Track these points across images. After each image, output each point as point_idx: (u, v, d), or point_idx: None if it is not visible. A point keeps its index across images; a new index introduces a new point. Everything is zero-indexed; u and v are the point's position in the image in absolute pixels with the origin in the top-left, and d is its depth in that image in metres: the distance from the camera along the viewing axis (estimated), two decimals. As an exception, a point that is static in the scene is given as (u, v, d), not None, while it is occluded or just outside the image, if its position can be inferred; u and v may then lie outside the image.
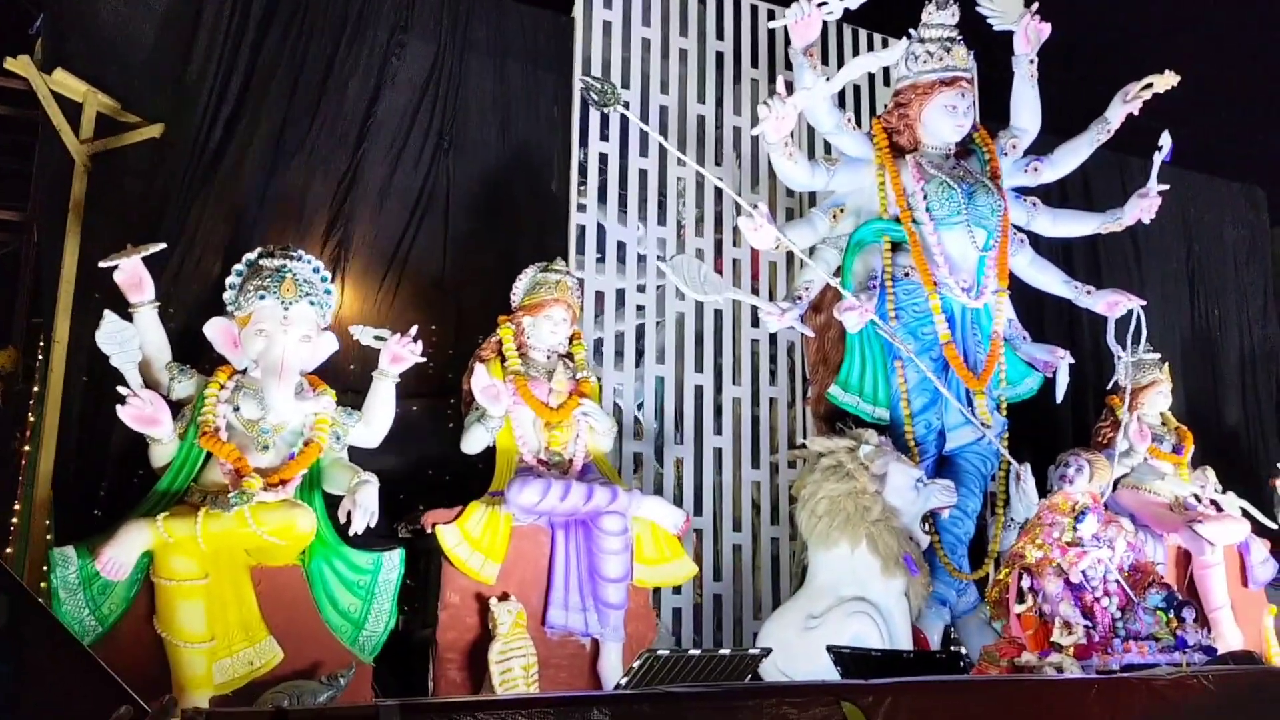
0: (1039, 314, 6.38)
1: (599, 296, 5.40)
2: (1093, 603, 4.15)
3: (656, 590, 5.04)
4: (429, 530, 3.98)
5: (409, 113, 5.16)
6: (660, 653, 2.70)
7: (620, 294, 5.44)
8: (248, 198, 4.62)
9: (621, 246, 5.48)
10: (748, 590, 5.45)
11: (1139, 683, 3.19)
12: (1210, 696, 3.20)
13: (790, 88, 4.60)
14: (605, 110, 4.49)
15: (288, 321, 3.60)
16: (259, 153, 4.69)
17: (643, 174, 5.58)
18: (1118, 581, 4.22)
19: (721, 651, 2.87)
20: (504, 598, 3.99)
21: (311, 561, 3.53)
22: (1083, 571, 4.18)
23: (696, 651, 2.79)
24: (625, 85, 5.60)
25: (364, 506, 3.48)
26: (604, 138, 5.49)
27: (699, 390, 5.56)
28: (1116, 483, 5.83)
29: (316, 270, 3.82)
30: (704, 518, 5.41)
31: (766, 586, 5.50)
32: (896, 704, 2.60)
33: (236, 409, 3.58)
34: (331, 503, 3.66)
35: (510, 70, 5.46)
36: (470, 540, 3.96)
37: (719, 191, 5.63)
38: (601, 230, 5.46)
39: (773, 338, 5.76)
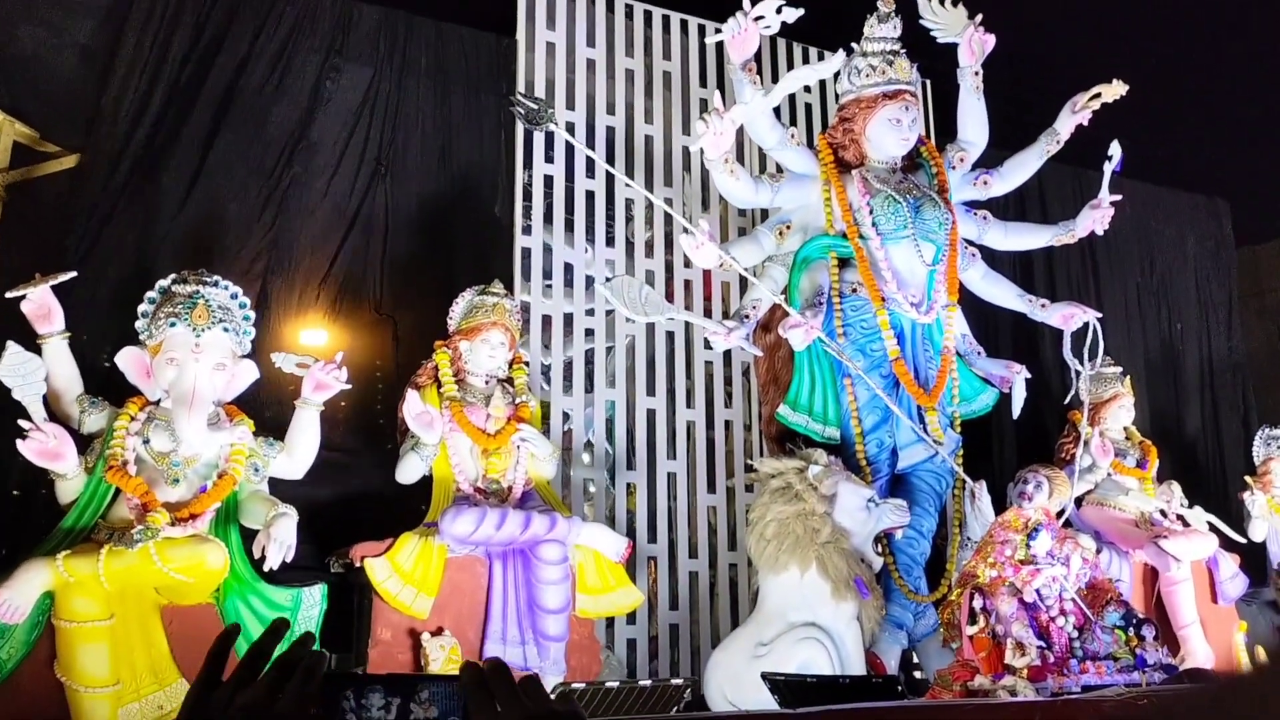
0: (997, 328, 6.31)
1: (546, 320, 5.29)
2: (1048, 622, 4.02)
3: (610, 621, 4.91)
4: (358, 564, 3.83)
5: (343, 137, 5.07)
6: (575, 686, 2.56)
7: (568, 318, 5.33)
8: (170, 225, 4.52)
9: (569, 269, 5.38)
10: (705, 619, 5.31)
11: (1085, 704, 3.06)
12: (1158, 716, 3.06)
13: (725, 101, 4.52)
14: (537, 129, 4.39)
15: (199, 349, 3.47)
16: (181, 179, 4.58)
17: (589, 195, 5.49)
18: (1074, 600, 4.10)
19: (643, 683, 2.74)
20: (438, 632, 3.84)
21: (226, 599, 3.38)
22: (1037, 590, 4.06)
23: (615, 684, 2.65)
24: (570, 107, 5.53)
25: (279, 540, 3.33)
26: (549, 159, 5.40)
27: (651, 414, 5.44)
28: (1080, 499, 5.74)
29: (234, 296, 3.69)
30: (658, 545, 5.28)
31: (725, 614, 5.36)
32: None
33: (147, 441, 3.44)
34: (250, 537, 3.52)
35: (451, 94, 5.37)
36: (401, 573, 3.81)
37: (665, 215, 5.57)
38: (548, 253, 5.35)
39: (727, 359, 5.66)
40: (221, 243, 4.63)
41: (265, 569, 3.38)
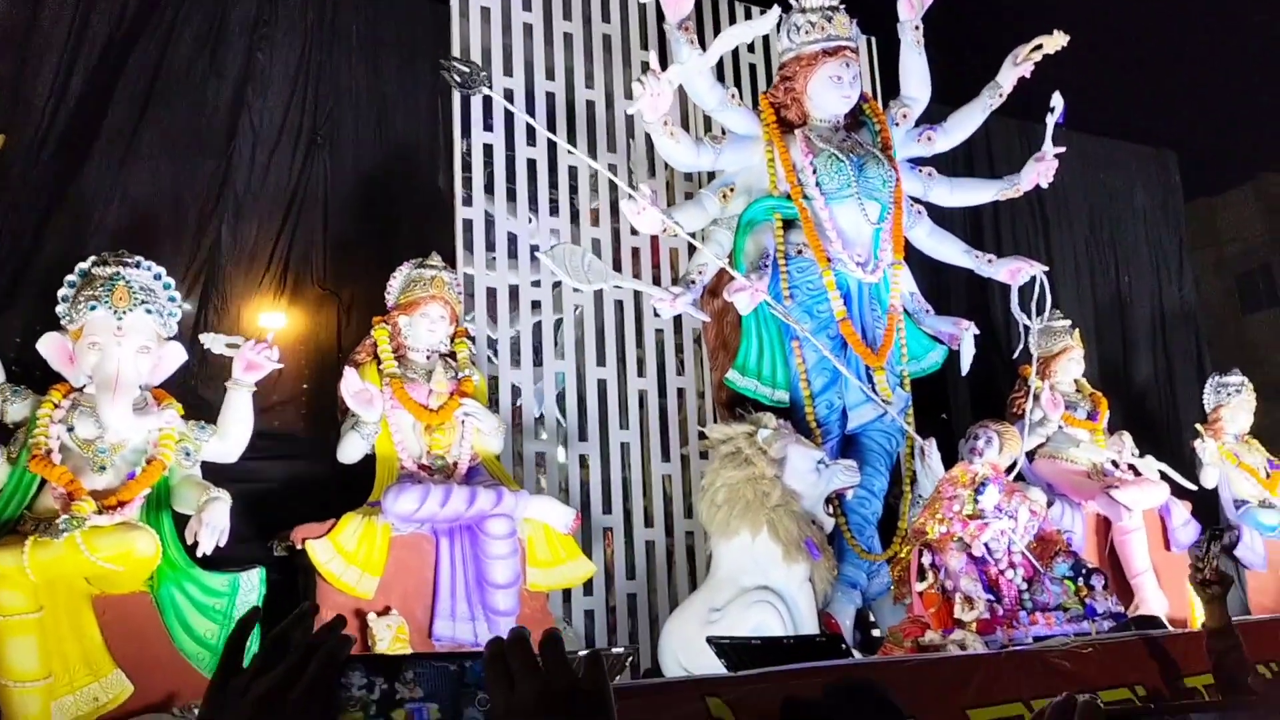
0: (947, 285, 6.30)
1: (491, 293, 5.21)
2: (997, 576, 4.04)
3: (567, 593, 4.88)
4: (300, 546, 3.77)
5: (279, 110, 4.95)
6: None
7: (514, 290, 5.25)
8: (102, 208, 4.38)
9: (513, 240, 5.30)
10: (663, 587, 5.28)
11: (1031, 656, 3.06)
12: (1105, 663, 3.08)
13: (665, 64, 4.45)
14: (470, 93, 4.30)
15: (121, 332, 3.37)
16: (113, 160, 4.45)
17: (530, 164, 5.39)
18: (1022, 553, 4.11)
19: (581, 653, 2.70)
20: (384, 612, 3.79)
21: (161, 587, 3.30)
22: (986, 544, 4.07)
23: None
24: (508, 73, 5.42)
25: (211, 525, 3.26)
26: (488, 128, 5.29)
27: (602, 384, 5.37)
28: (1033, 453, 5.77)
29: (158, 277, 3.59)
30: (614, 515, 5.24)
31: (683, 582, 5.33)
32: (763, 695, 2.44)
33: (71, 429, 3.35)
34: (184, 523, 3.44)
35: (384, 62, 5.26)
36: (344, 554, 3.75)
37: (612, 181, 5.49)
38: (490, 224, 5.26)
39: (678, 326, 5.60)
40: (161, 224, 4.51)
41: (199, 555, 3.30)
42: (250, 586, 3.45)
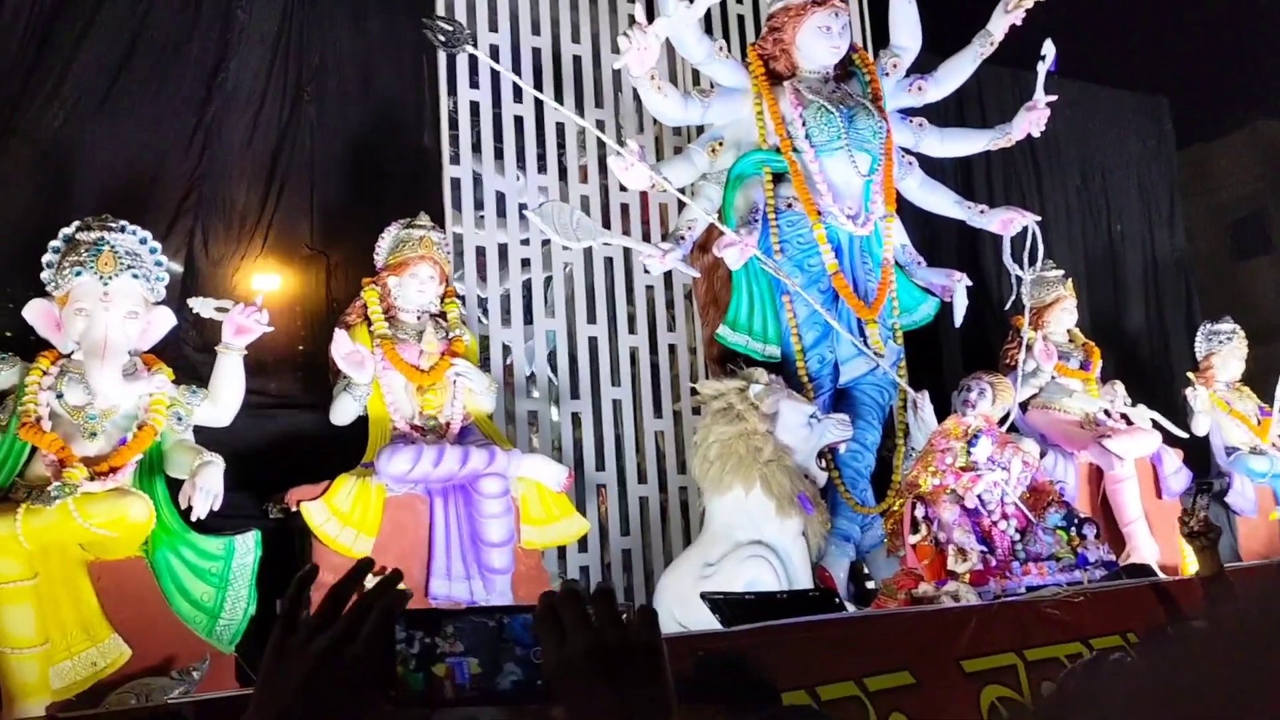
0: (938, 237, 6.29)
1: (480, 252, 5.18)
2: (990, 527, 4.07)
3: (562, 550, 4.91)
4: (295, 508, 3.77)
5: (263, 69, 4.87)
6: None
7: (503, 248, 5.22)
8: (84, 170, 4.32)
9: (501, 198, 5.26)
10: (657, 543, 5.32)
11: (1023, 606, 3.09)
12: (1098, 612, 3.11)
13: (651, 17, 4.39)
14: (454, 52, 4.24)
15: (108, 298, 3.34)
16: (93, 120, 4.38)
17: (518, 121, 5.34)
18: (1015, 504, 4.13)
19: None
20: (380, 572, 3.79)
21: (156, 551, 3.30)
22: (979, 496, 4.09)
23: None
24: (493, 29, 5.35)
25: (204, 489, 3.25)
26: (474, 85, 5.23)
27: (593, 342, 5.36)
28: (1026, 403, 5.79)
29: (144, 241, 3.55)
30: (606, 472, 5.26)
31: (677, 538, 5.36)
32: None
33: (60, 395, 3.33)
34: (177, 487, 3.43)
35: (368, 19, 5.17)
36: (339, 515, 3.76)
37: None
38: (478, 182, 5.22)
39: (668, 282, 5.59)
40: (144, 186, 4.45)
41: (193, 519, 3.30)
42: (246, 549, 3.46)
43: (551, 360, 5.36)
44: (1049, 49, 4.94)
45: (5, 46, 4.23)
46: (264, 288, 4.67)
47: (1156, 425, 5.72)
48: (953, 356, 6.50)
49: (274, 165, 4.79)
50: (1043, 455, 5.43)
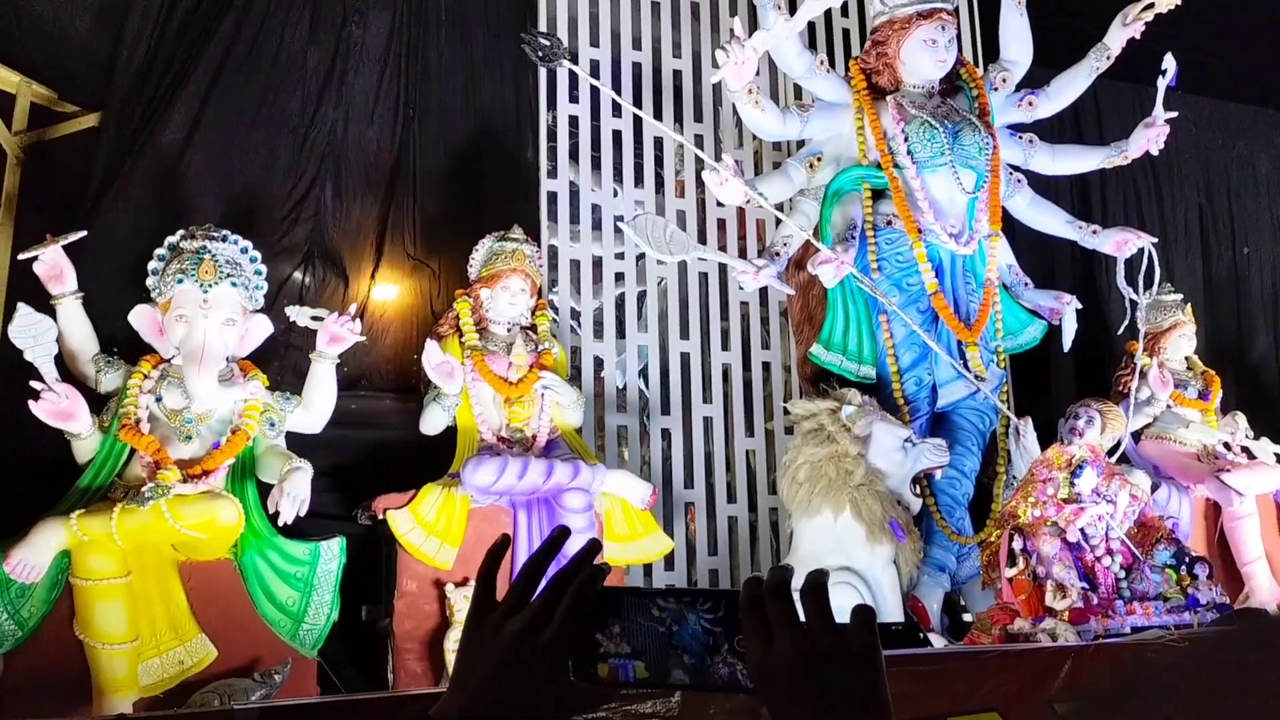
0: (1052, 257, 6.06)
1: (575, 265, 5.18)
2: (1094, 563, 3.86)
3: (648, 568, 4.86)
4: (381, 516, 3.81)
5: (372, 85, 4.98)
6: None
7: (598, 261, 5.22)
8: (200, 187, 4.47)
9: (597, 211, 5.26)
10: (745, 564, 5.22)
11: (1124, 649, 2.92)
12: (1203, 656, 2.91)
13: (752, 31, 4.33)
14: (551, 66, 4.25)
15: (207, 305, 3.44)
16: (209, 133, 4.53)
17: (616, 135, 5.34)
18: (1121, 539, 3.92)
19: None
20: (462, 583, 3.81)
21: (244, 554, 3.37)
22: (1081, 530, 3.89)
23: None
24: (594, 44, 5.36)
25: (292, 495, 3.31)
26: (573, 99, 5.24)
27: (685, 357, 5.31)
28: (1139, 433, 5.52)
29: (244, 250, 3.65)
30: (696, 490, 5.18)
31: (766, 559, 5.26)
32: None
33: (159, 399, 3.43)
34: (268, 492, 3.50)
35: (472, 35, 5.24)
36: (424, 525, 3.78)
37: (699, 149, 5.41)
38: (575, 195, 5.23)
39: (764, 298, 5.51)
40: (260, 196, 4.59)
41: (279, 524, 3.36)
42: (331, 555, 3.51)
43: (643, 375, 5.32)
44: (1169, 63, 4.71)
45: (127, 66, 4.41)
46: (379, 298, 4.76)
47: (1281, 460, 5.39)
48: (1064, 382, 6.25)
49: (386, 178, 4.89)
50: (1156, 488, 5.17)
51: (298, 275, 4.51)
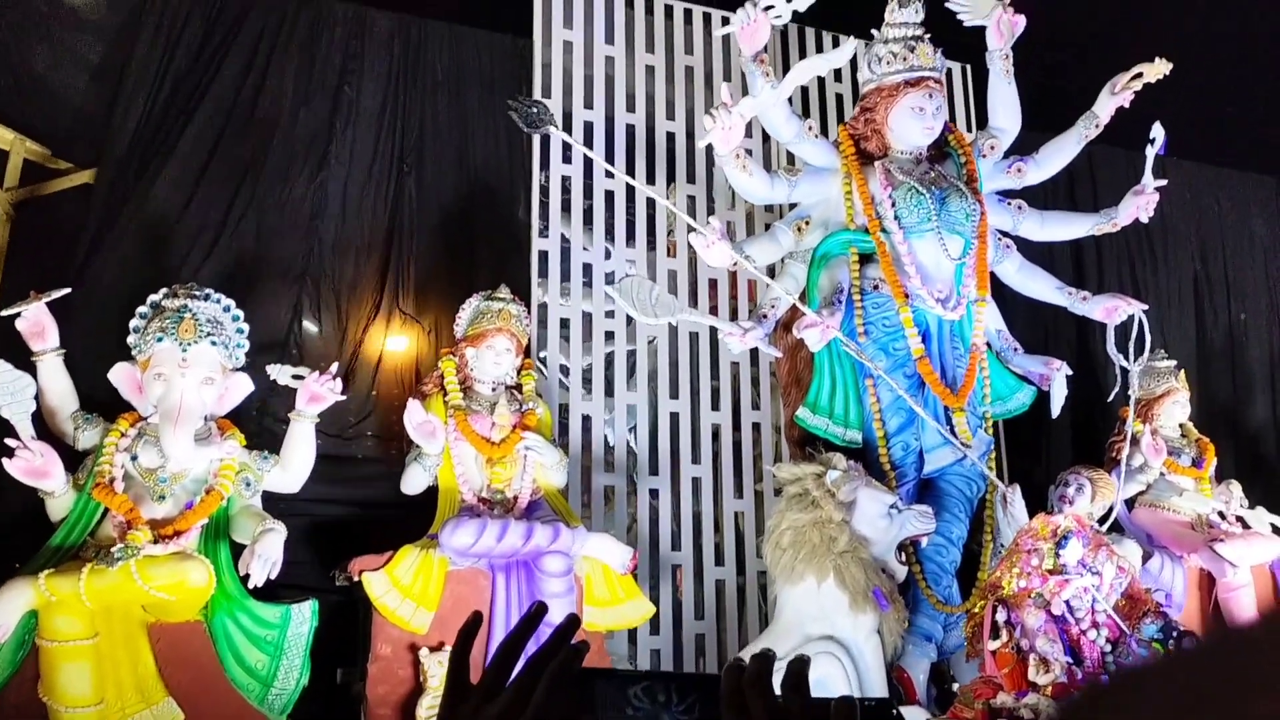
0: (1048, 321, 6.05)
1: (564, 323, 5.19)
2: (1079, 636, 3.80)
3: (632, 633, 4.81)
4: (357, 578, 3.78)
5: (368, 145, 5.04)
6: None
7: (588, 319, 5.23)
8: (189, 243, 4.51)
9: (588, 270, 5.28)
10: (733, 629, 5.16)
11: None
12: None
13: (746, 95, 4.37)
14: (537, 133, 4.29)
15: (185, 364, 3.45)
16: (202, 190, 4.59)
17: (609, 195, 5.37)
18: (1107, 612, 3.86)
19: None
20: (438, 648, 3.77)
21: (214, 616, 3.34)
22: (1067, 602, 3.83)
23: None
24: (589, 106, 5.42)
25: (263, 557, 3.28)
26: (566, 160, 5.29)
27: (675, 417, 5.29)
28: (1133, 501, 5.47)
29: (227, 309, 3.67)
30: (683, 552, 5.15)
31: (754, 624, 5.20)
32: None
33: (135, 457, 3.43)
34: (241, 552, 3.48)
35: (467, 96, 5.31)
36: (400, 587, 3.75)
37: (691, 212, 5.44)
38: (566, 254, 5.25)
39: (754, 359, 5.49)
40: (253, 256, 4.62)
41: (250, 586, 3.33)
42: (302, 619, 3.47)
43: (632, 434, 5.30)
44: (1158, 132, 4.73)
45: (123, 124, 4.49)
46: (369, 355, 4.77)
47: (1277, 530, 5.32)
48: (1058, 447, 6.21)
49: (378, 237, 4.93)
50: (1149, 558, 5.11)
51: (286, 331, 4.53)
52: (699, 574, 5.17)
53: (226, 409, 3.68)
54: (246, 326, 3.72)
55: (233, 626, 3.35)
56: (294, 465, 3.71)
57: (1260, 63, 6.68)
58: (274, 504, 3.86)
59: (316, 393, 3.70)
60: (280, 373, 3.71)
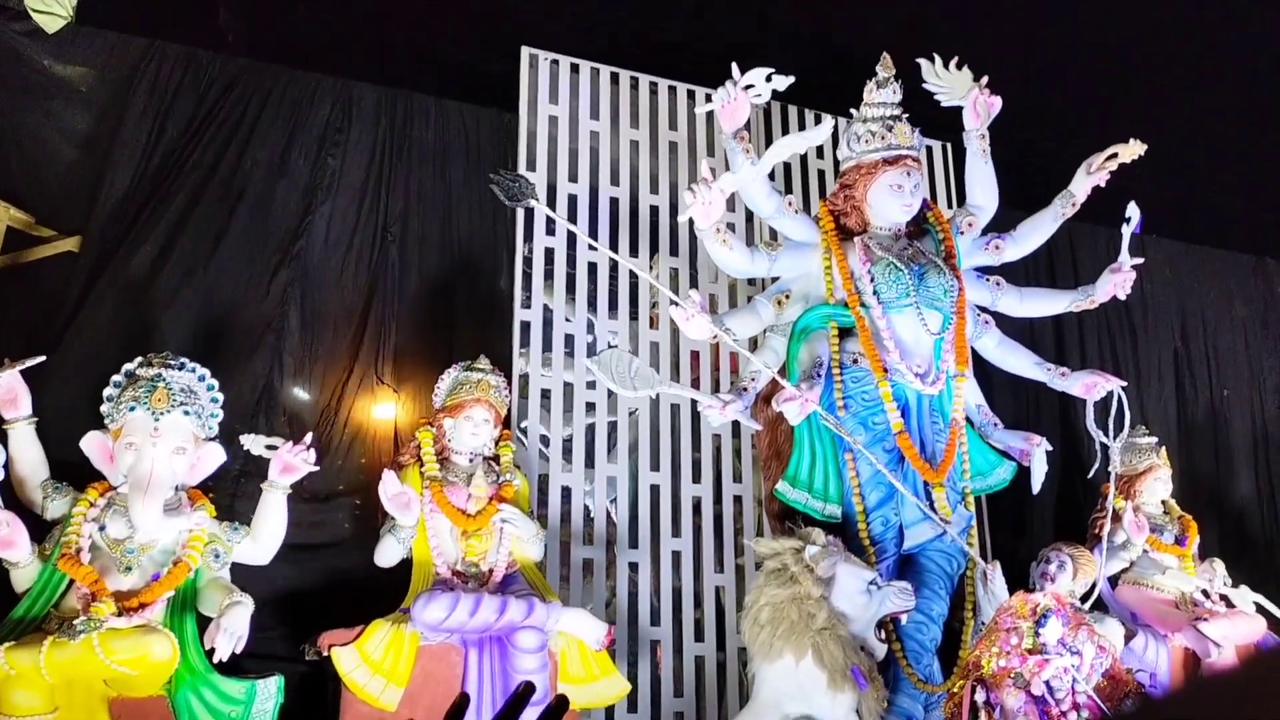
0: (1030, 397, 6.06)
1: (545, 394, 5.19)
2: (1059, 717, 3.74)
3: (610, 712, 4.73)
4: (326, 653, 3.72)
5: (351, 214, 5.09)
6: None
7: (568, 390, 5.23)
8: (166, 311, 4.52)
9: (570, 341, 5.29)
10: (713, 707, 5.07)
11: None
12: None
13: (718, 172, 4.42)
14: (518, 205, 4.32)
15: (157, 434, 3.43)
16: (183, 261, 4.62)
17: (592, 267, 5.41)
18: (1087, 693, 3.80)
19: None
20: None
21: (178, 691, 3.28)
22: (1046, 682, 3.77)
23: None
24: (574, 179, 5.48)
25: (229, 631, 3.24)
26: (550, 232, 5.34)
27: (655, 489, 5.27)
28: (1117, 578, 5.44)
29: (202, 379, 3.66)
30: (662, 627, 5.08)
31: (734, 701, 5.11)
32: None
33: (103, 528, 3.39)
34: (208, 625, 3.42)
35: (452, 169, 5.38)
36: (369, 663, 3.69)
37: (674, 284, 5.49)
38: (548, 324, 5.27)
39: (737, 431, 5.49)
40: (226, 325, 4.64)
41: (215, 660, 3.28)
42: (267, 694, 3.41)
43: (613, 506, 5.27)
44: (1133, 211, 4.78)
45: (109, 193, 4.52)
46: (347, 425, 4.76)
47: (1261, 610, 5.28)
48: (1042, 523, 6.19)
49: (357, 306, 4.95)
50: (1133, 636, 5.08)
51: (262, 401, 4.52)
52: (679, 649, 5.10)
53: (198, 479, 3.66)
54: (221, 396, 3.71)
55: (196, 702, 3.28)
56: (265, 536, 3.67)
57: (1237, 143, 6.81)
58: (244, 573, 3.82)
59: (289, 463, 3.68)
60: (254, 442, 3.69)
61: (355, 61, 5.24)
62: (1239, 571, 5.68)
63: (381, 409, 4.96)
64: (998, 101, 4.86)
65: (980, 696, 3.73)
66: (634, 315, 5.52)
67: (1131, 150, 4.91)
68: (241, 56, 4.98)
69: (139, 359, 3.67)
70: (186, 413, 3.51)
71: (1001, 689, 3.74)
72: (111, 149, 4.55)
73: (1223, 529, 6.34)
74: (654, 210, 5.67)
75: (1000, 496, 5.31)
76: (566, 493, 5.07)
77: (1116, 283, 4.91)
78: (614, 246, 5.42)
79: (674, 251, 5.67)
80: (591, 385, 5.25)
